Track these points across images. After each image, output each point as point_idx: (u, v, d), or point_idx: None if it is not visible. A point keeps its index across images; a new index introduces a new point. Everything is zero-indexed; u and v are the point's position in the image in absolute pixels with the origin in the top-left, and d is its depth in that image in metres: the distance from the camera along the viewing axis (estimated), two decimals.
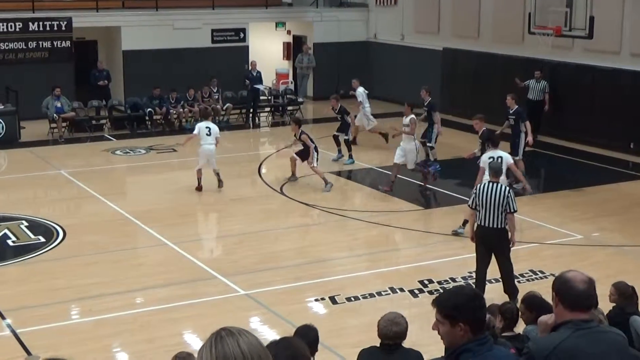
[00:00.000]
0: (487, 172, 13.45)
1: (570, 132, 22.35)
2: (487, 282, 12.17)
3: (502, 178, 13.40)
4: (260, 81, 26.25)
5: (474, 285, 11.72)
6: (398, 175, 17.96)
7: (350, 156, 20.54)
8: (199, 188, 17.76)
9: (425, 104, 20.29)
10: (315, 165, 17.99)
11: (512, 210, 11.54)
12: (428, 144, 20.01)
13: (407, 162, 17.94)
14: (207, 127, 17.88)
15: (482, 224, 11.65)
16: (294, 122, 18.96)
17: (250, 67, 26.31)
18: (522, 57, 23.55)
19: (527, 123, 18.09)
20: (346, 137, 20.74)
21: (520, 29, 23.38)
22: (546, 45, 21.15)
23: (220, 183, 17.83)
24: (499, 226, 11.56)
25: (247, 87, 25.91)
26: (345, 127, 20.70)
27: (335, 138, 20.72)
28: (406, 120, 18.21)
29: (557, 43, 21.41)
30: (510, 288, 11.68)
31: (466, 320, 4.05)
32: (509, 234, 11.66)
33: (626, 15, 21.16)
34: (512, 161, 14.79)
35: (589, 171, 19.79)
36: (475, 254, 11.90)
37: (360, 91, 22.23)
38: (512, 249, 11.88)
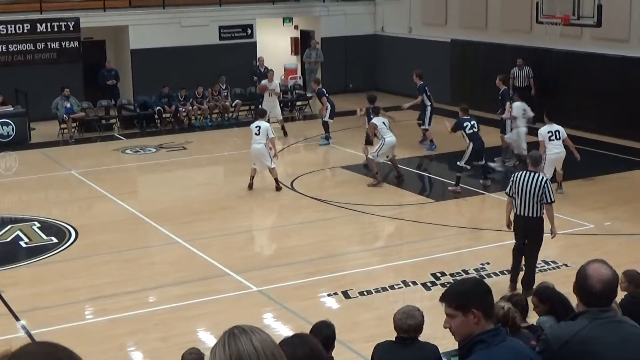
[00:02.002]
0: (550, 145, 15.72)
1: (580, 120, 22.24)
2: (499, 274, 12.16)
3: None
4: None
5: (510, 275, 11.95)
6: (408, 168, 18.10)
7: (327, 137, 21.33)
8: (249, 186, 17.61)
9: (417, 87, 20.71)
10: (371, 156, 17.97)
11: (548, 201, 11.59)
12: (422, 127, 20.41)
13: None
14: (257, 127, 17.52)
15: (518, 212, 11.73)
16: (368, 99, 19.43)
17: (257, 63, 26.31)
18: (531, 47, 23.49)
19: (508, 103, 19.20)
20: (325, 120, 21.47)
21: (528, 18, 23.30)
22: (554, 34, 21.08)
23: (277, 185, 17.50)
24: (534, 215, 11.62)
25: (255, 83, 25.90)
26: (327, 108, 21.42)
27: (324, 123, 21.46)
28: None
29: (566, 32, 21.34)
30: (529, 278, 11.70)
31: (478, 306, 4.07)
32: (549, 224, 11.76)
33: (634, 3, 21.05)
34: (565, 135, 16.07)
35: (600, 160, 19.73)
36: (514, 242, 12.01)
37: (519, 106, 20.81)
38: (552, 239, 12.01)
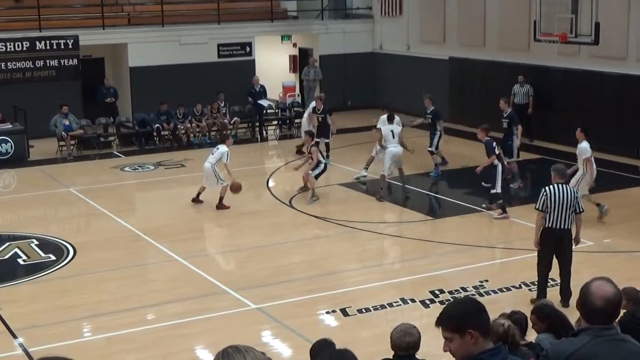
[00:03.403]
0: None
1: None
2: (498, 291, 12.12)
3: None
4: (263, 95, 26.31)
5: (536, 291, 11.90)
6: (407, 186, 18.12)
7: (328, 156, 20.94)
8: (192, 199, 17.98)
9: (429, 112, 20.43)
10: (311, 175, 17.95)
11: (580, 211, 11.76)
12: (429, 149, 20.15)
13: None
14: (216, 148, 18.03)
15: (553, 225, 11.72)
16: (307, 134, 18.99)
17: (252, 84, 26.30)
18: (529, 65, 23.56)
19: (519, 127, 18.87)
20: (327, 140, 21.12)
21: (526, 36, 23.38)
22: (552, 52, 21.15)
23: (219, 204, 17.61)
24: (567, 227, 11.74)
25: (250, 103, 25.94)
26: (327, 129, 21.10)
27: (318, 145, 20.66)
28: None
29: (564, 50, 21.41)
30: (567, 292, 11.72)
31: (474, 325, 4.06)
32: (574, 234, 11.86)
33: (632, 20, 21.12)
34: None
35: (598, 177, 19.67)
36: (539, 258, 11.96)
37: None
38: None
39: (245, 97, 25.98)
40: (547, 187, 11.92)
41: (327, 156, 20.93)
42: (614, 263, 14.05)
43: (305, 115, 22.00)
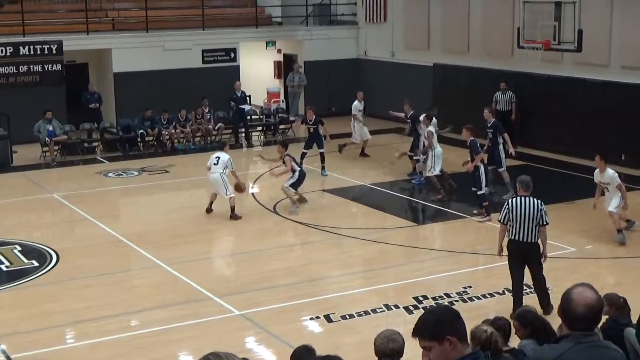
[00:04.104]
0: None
1: (561, 145, 22.43)
2: (481, 297, 12.15)
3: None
4: (245, 101, 26.29)
5: (512, 300, 11.81)
6: (391, 192, 18.13)
7: (323, 167, 20.92)
8: (207, 210, 17.67)
9: (408, 117, 20.58)
10: (286, 186, 17.81)
11: (544, 223, 11.64)
12: (415, 157, 20.08)
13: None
14: (216, 157, 17.50)
15: (516, 238, 11.68)
16: (281, 144, 18.85)
17: (234, 88, 26.28)
18: (512, 71, 23.66)
19: (505, 135, 18.72)
20: (321, 150, 21.05)
21: (509, 43, 23.50)
22: (536, 59, 21.26)
23: (232, 214, 17.35)
24: (533, 240, 11.65)
25: (232, 109, 25.91)
26: (320, 139, 21.05)
27: (304, 155, 20.77)
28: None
29: (547, 57, 21.53)
30: (545, 298, 11.70)
31: (451, 332, 4.08)
32: (541, 247, 11.75)
33: (614, 27, 21.25)
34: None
35: (581, 183, 19.78)
36: (509, 270, 11.93)
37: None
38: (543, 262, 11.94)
39: (227, 102, 25.95)
40: (509, 200, 11.96)
41: (323, 167, 20.87)
42: (596, 269, 14.12)
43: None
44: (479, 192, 16.82)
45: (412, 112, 20.62)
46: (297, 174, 17.83)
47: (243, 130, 26.11)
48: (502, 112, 22.92)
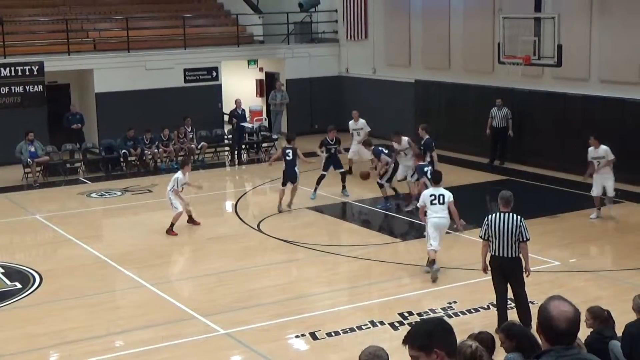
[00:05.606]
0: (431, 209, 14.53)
1: (543, 159, 22.53)
2: (466, 312, 12.14)
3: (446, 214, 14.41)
4: (245, 119, 26.43)
5: (497, 315, 11.81)
6: (373, 208, 18.22)
7: (344, 187, 20.63)
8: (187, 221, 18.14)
9: (422, 142, 19.82)
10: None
11: (525, 239, 11.59)
12: (379, 181, 19.46)
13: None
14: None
15: (497, 254, 11.68)
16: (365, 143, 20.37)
17: (235, 106, 26.26)
18: (493, 87, 23.78)
19: (434, 154, 19.35)
20: (342, 170, 20.78)
21: (490, 59, 23.62)
22: (516, 74, 21.38)
23: (168, 228, 17.75)
24: (513, 255, 11.61)
25: (234, 125, 25.93)
26: (338, 160, 20.78)
27: (322, 178, 20.47)
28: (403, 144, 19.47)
29: (527, 72, 21.66)
30: (525, 315, 11.64)
31: (440, 345, 4.08)
32: (523, 262, 11.72)
33: (593, 42, 21.42)
34: (452, 200, 14.66)
35: (564, 197, 19.91)
36: (493, 285, 11.93)
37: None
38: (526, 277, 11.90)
39: (229, 118, 25.95)
40: (489, 216, 11.88)
41: (344, 187, 20.56)
42: (580, 282, 14.16)
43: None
44: (378, 181, 18.64)
45: (427, 137, 19.82)
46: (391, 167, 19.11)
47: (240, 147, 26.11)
48: (498, 128, 22.98)
